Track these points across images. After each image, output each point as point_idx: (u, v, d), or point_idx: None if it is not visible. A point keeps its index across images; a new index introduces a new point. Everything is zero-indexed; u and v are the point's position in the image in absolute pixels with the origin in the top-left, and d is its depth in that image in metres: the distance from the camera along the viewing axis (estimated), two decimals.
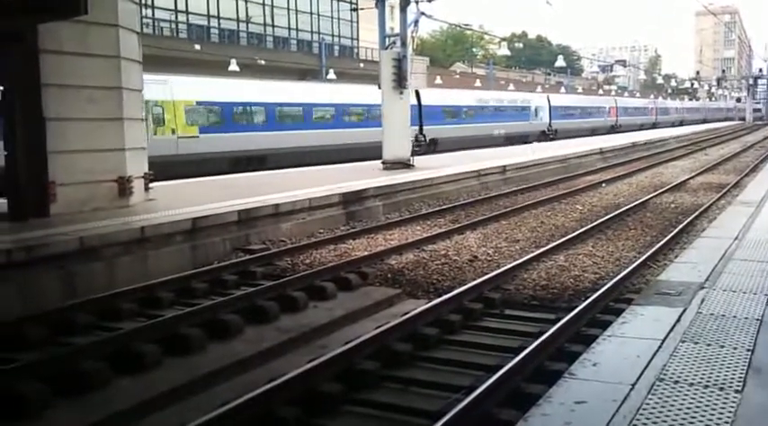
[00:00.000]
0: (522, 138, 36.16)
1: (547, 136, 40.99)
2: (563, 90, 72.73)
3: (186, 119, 20.83)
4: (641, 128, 56.90)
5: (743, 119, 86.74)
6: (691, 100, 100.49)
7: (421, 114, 30.20)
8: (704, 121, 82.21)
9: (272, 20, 49.74)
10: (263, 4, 48.90)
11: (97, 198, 10.69)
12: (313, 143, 24.40)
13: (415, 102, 28.58)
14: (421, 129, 30.31)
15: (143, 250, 9.07)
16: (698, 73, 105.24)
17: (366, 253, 9.94)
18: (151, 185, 12.13)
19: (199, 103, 21.40)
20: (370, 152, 21.63)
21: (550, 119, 43.82)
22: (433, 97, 33.31)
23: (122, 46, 10.98)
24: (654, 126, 62.01)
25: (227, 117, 22.39)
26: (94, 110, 10.63)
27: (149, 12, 40.16)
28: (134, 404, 5.33)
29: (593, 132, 46.66)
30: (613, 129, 51.91)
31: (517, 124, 39.25)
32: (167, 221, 9.69)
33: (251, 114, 23.59)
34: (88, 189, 10.63)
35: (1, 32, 9.81)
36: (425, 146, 29.56)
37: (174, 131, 20.34)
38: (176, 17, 43.94)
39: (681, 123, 72.85)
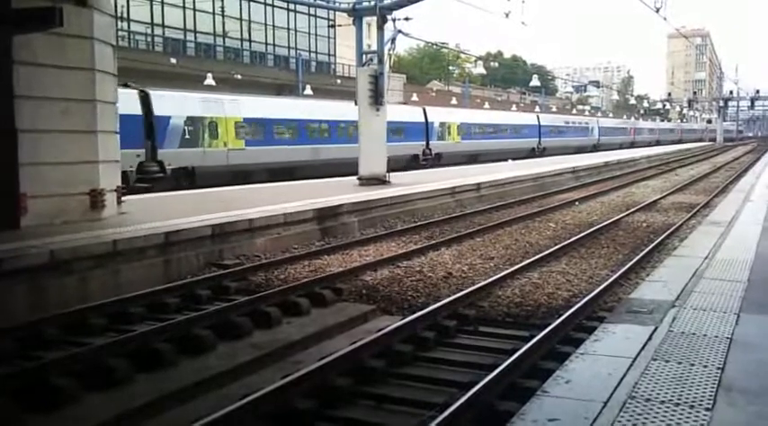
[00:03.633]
0: (514, 155, 38.78)
1: (535, 153, 44.17)
2: (537, 109, 73.53)
3: (235, 133, 23.47)
4: (620, 147, 60.29)
5: (713, 140, 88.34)
6: (663, 121, 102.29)
7: (428, 130, 34.25)
8: (679, 142, 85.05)
9: (249, 35, 49.80)
10: (241, 19, 48.95)
11: (69, 210, 10.56)
12: (338, 156, 26.11)
13: (422, 119, 34.07)
14: (428, 144, 34.17)
15: (115, 264, 8.96)
16: (669, 94, 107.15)
17: (341, 269, 9.93)
18: (124, 199, 12.01)
19: (245, 120, 24.01)
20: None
21: (540, 138, 47.01)
22: (438, 115, 37.05)
23: (97, 58, 10.91)
24: (632, 145, 65.50)
25: (268, 132, 24.98)
26: (68, 122, 10.54)
27: (125, 24, 39.96)
28: (104, 421, 5.24)
29: (578, 150, 49.61)
30: (595, 148, 54.95)
31: (512, 142, 43.10)
32: (140, 235, 9.59)
33: (287, 129, 26.11)
34: (60, 201, 10.51)
35: None
36: (432, 160, 33.37)
37: (225, 144, 23.03)
38: (152, 30, 43.78)
39: (657, 143, 76.02)
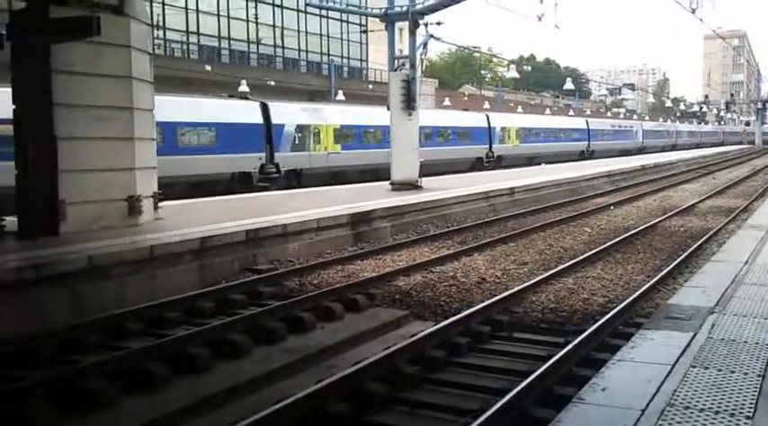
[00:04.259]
0: (566, 157, 41.55)
1: (584, 155, 46.19)
2: (571, 112, 72.94)
3: (334, 139, 26.73)
4: (663, 149, 61.46)
5: (752, 142, 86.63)
6: (700, 123, 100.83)
7: (491, 135, 37.34)
8: (721, 144, 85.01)
9: (282, 41, 50.15)
10: (274, 26, 49.35)
11: (107, 216, 10.74)
12: (426, 158, 28.70)
13: (485, 124, 37.49)
14: (491, 148, 37.06)
15: (151, 269, 9.09)
16: (706, 96, 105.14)
17: (374, 274, 9.94)
18: (160, 204, 12.18)
19: (342, 127, 27.31)
20: (455, 166, 30.41)
21: (589, 141, 49.37)
22: (499, 121, 39.76)
23: (134, 66, 11.09)
24: (674, 148, 66.38)
25: (360, 137, 28.41)
26: (106, 129, 10.71)
27: (161, 33, 40.57)
28: (140, 425, 5.31)
29: (624, 153, 51.02)
30: (639, 150, 56.62)
31: (564, 144, 45.56)
32: (176, 240, 9.72)
33: (373, 135, 29.04)
34: (98, 207, 10.69)
35: (15, 52, 9.94)
36: (494, 162, 36.28)
37: (326, 148, 26.30)
38: (188, 38, 44.36)
39: (698, 145, 76.28)
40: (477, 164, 34.90)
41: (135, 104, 11.12)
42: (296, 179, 24.43)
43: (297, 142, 25.00)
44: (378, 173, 24.61)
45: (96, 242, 9.35)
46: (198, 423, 5.44)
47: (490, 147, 37.12)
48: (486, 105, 64.59)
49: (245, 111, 23.71)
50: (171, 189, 16.58)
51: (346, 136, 27.58)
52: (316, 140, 25.89)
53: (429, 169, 24.85)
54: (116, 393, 5.74)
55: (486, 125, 37.77)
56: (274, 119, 24.22)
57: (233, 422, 4.78)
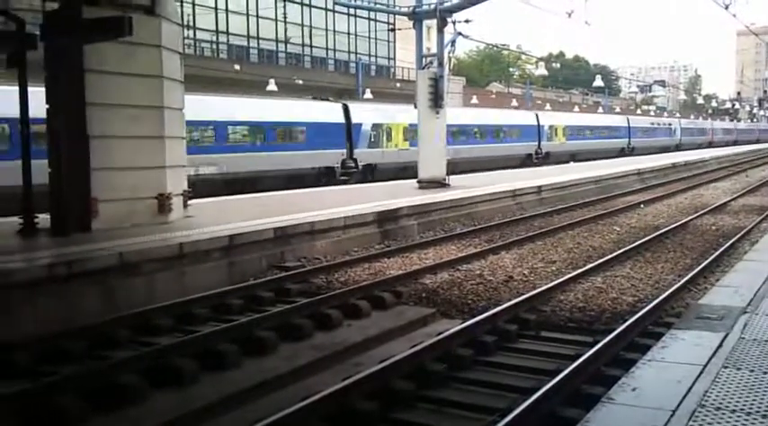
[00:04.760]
0: (608, 154, 43.59)
1: (625, 152, 48.03)
2: (600, 110, 72.23)
3: (403, 136, 29.03)
4: (699, 147, 62.21)
5: None
6: (732, 120, 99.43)
7: (539, 132, 39.50)
8: (757, 142, 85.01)
9: (311, 40, 50.35)
10: (302, 25, 49.55)
11: (137, 214, 10.88)
12: (479, 154, 32.91)
13: (535, 122, 39.65)
14: (539, 144, 39.14)
15: (181, 266, 9.19)
16: (739, 93, 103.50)
17: (401, 272, 9.94)
18: (189, 202, 12.30)
19: (410, 125, 27.56)
20: (508, 162, 33.23)
21: (630, 138, 51.18)
22: (547, 119, 41.86)
23: (165, 66, 11.21)
24: (710, 145, 67.11)
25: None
26: (137, 128, 10.85)
27: (191, 33, 40.95)
28: (170, 420, 5.37)
29: (663, 150, 52.81)
30: (677, 148, 57.98)
31: (607, 141, 47.67)
32: (205, 238, 9.81)
33: None
34: (129, 205, 10.83)
35: (49, 52, 10.11)
36: (542, 158, 38.36)
37: (396, 145, 28.81)
38: (217, 38, 44.73)
39: (735, 143, 77.14)
40: (526, 161, 36.72)
41: (165, 103, 11.24)
42: (371, 173, 26.63)
43: (372, 139, 27.57)
44: None
45: (127, 239, 9.47)
46: (225, 419, 5.48)
47: (539, 144, 39.12)
48: (514, 103, 64.31)
49: (329, 112, 26.13)
50: (267, 182, 20.33)
51: (414, 133, 28.44)
52: (388, 138, 28.49)
53: (485, 164, 29.89)
54: (146, 388, 5.82)
55: (536, 123, 39.76)
56: (354, 119, 26.62)
57: (259, 419, 4.81)
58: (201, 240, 9.70)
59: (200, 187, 16.55)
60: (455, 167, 27.78)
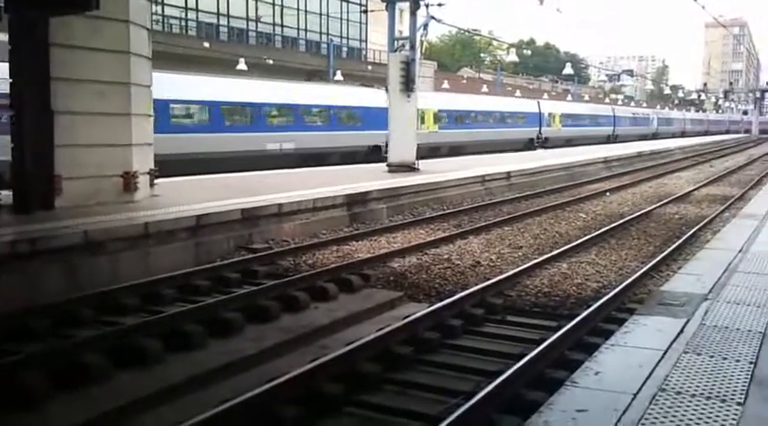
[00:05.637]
0: (597, 140, 47.67)
1: (609, 139, 51.84)
2: (569, 97, 72.95)
3: (434, 120, 33.01)
4: (673, 136, 67.54)
5: (748, 131, 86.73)
6: (697, 111, 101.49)
7: (540, 119, 43.10)
8: (727, 132, 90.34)
9: (282, 20, 49.87)
10: (273, 4, 49.03)
11: (102, 192, 10.71)
12: (491, 138, 36.64)
13: (536, 110, 43.52)
14: (540, 130, 42.76)
15: (146, 246, 9.08)
16: (705, 85, 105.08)
17: (369, 256, 9.95)
18: (156, 181, 12.15)
19: (439, 111, 33.90)
20: (514, 145, 36.85)
21: (614, 126, 55.40)
22: (547, 107, 45.74)
23: (132, 42, 11.01)
24: (683, 134, 72.63)
25: (447, 119, 34.84)
26: (103, 104, 10.65)
27: (159, 8, 40.25)
28: (135, 399, 5.33)
29: (642, 138, 56.91)
30: (654, 136, 62.51)
31: (596, 129, 51.65)
32: (171, 218, 9.71)
33: (462, 117, 36.21)
34: (94, 183, 10.66)
35: (13, 25, 9.85)
36: (542, 142, 41.80)
37: (428, 128, 32.01)
38: (186, 14, 44.07)
39: (706, 133, 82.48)
40: (528, 145, 40.03)
41: (132, 80, 11.05)
42: None
43: None
44: (464, 148, 32.63)
45: (92, 217, 9.33)
46: (190, 400, 5.45)
47: (540, 130, 42.82)
48: (485, 89, 64.54)
49: (376, 97, 28.34)
50: (328, 157, 23.64)
51: (441, 118, 34.15)
52: (421, 121, 30.76)
53: (495, 147, 33.70)
54: (110, 368, 5.76)
55: (537, 110, 43.54)
56: (385, 103, 28.74)
57: (225, 399, 4.80)
58: (167, 220, 9.60)
59: (283, 161, 21.33)
60: (468, 148, 32.96)
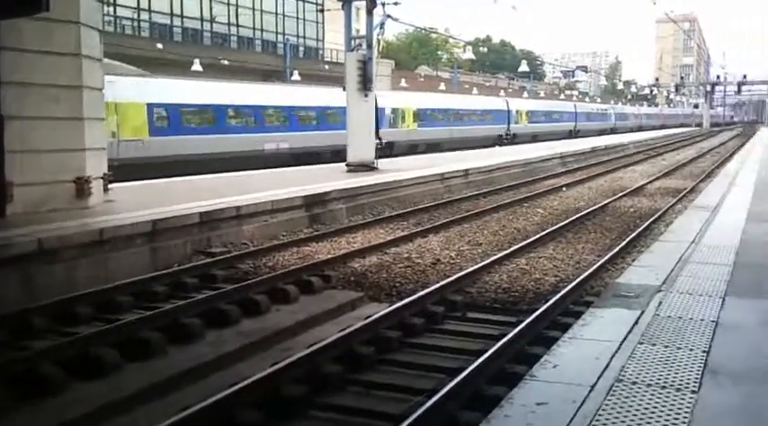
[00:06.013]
0: (560, 136, 49.56)
1: (571, 134, 53.77)
2: (525, 94, 73.80)
3: (413, 119, 35.08)
4: (631, 130, 71.12)
5: (699, 125, 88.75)
6: (650, 106, 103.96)
7: (509, 116, 45.72)
8: (681, 126, 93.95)
9: (237, 20, 49.39)
10: (228, 4, 48.53)
11: (55, 198, 10.48)
12: (467, 135, 39.11)
13: (505, 107, 45.95)
14: (509, 126, 45.21)
15: (102, 252, 8.92)
16: (657, 79, 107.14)
17: (329, 256, 9.93)
18: (110, 186, 11.94)
19: (418, 109, 35.84)
20: (485, 141, 39.44)
21: (576, 122, 58.27)
22: (514, 104, 48.28)
23: (84, 44, 10.79)
24: (640, 128, 75.85)
25: (426, 117, 36.52)
26: (55, 108, 10.43)
27: (111, 9, 39.53)
28: (93, 409, 5.24)
29: (601, 132, 60.33)
30: (612, 130, 65.66)
31: (559, 125, 54.55)
32: (127, 223, 9.54)
33: (438, 115, 38.07)
34: (46, 189, 10.42)
35: None
36: (510, 138, 44.08)
37: (408, 126, 34.49)
38: (138, 15, 43.35)
39: (662, 127, 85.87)
40: (497, 141, 41.95)
41: (84, 83, 10.83)
42: (389, 149, 30.29)
43: (392, 121, 32.81)
44: (440, 146, 34.22)
45: (45, 224, 9.13)
46: (152, 407, 5.39)
47: (509, 127, 45.20)
48: (442, 86, 64.87)
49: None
50: (318, 156, 24.23)
51: (420, 117, 36.03)
52: (402, 120, 34.15)
53: (468, 144, 35.66)
54: (67, 378, 5.65)
55: (506, 108, 45.98)
56: (379, 104, 30.58)
57: (187, 406, 4.75)
58: (123, 225, 9.43)
59: (278, 159, 22.86)
60: (444, 145, 34.74)
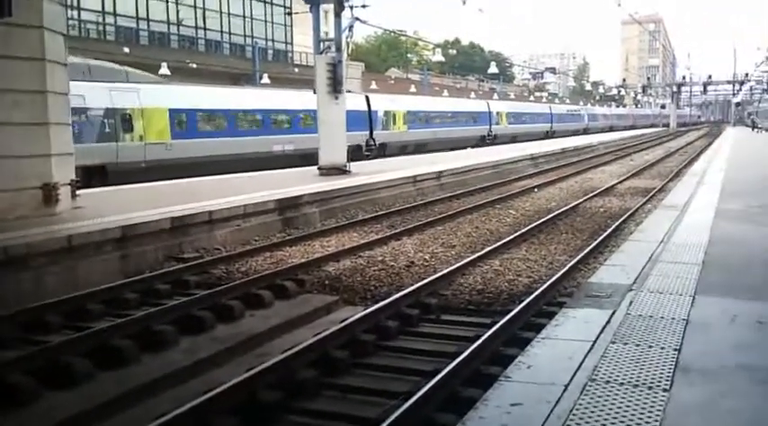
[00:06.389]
0: (536, 136, 51.07)
1: (547, 135, 55.22)
2: (495, 96, 74.31)
3: (403, 121, 36.14)
4: (602, 130, 73.31)
5: (667, 125, 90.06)
6: (618, 106, 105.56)
7: (490, 118, 47.03)
8: (652, 126, 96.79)
9: (204, 23, 49.03)
10: (195, 7, 48.17)
11: (21, 205, 10.31)
12: (450, 136, 40.39)
13: (486, 109, 47.34)
14: (490, 128, 46.58)
15: (71, 260, 8.79)
16: (624, 80, 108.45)
17: (303, 260, 9.89)
18: (78, 192, 11.77)
19: (408, 112, 36.96)
20: (468, 142, 40.82)
21: (552, 123, 60.10)
22: (494, 106, 49.81)
23: (48, 48, 10.64)
24: (611, 129, 78.17)
25: (415, 119, 37.58)
26: (18, 114, 10.27)
27: (75, 13, 38.98)
28: (65, 419, 5.16)
29: (575, 133, 62.46)
30: (585, 131, 67.89)
31: (535, 126, 55.75)
32: (95, 229, 9.41)
33: (425, 118, 39.12)
34: (12, 196, 10.25)
35: None
36: (492, 139, 45.55)
37: (399, 128, 35.69)
38: (104, 19, 42.82)
39: (632, 127, 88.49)
40: (479, 142, 43.35)
41: (49, 88, 10.69)
42: (383, 150, 32.42)
43: (384, 124, 34.20)
44: (426, 146, 35.53)
45: (11, 232, 8.96)
46: (126, 415, 5.32)
47: (490, 128, 46.59)
48: (413, 89, 65.02)
49: (357, 101, 30.51)
50: (313, 158, 22.55)
51: (410, 119, 37.12)
52: (394, 122, 35.36)
53: (453, 144, 37.37)
54: (38, 388, 5.55)
55: (487, 110, 47.39)
56: (372, 107, 32.94)
57: (163, 413, 4.69)
58: (92, 232, 9.30)
59: (285, 160, 23.98)
60: (431, 146, 35.94)
